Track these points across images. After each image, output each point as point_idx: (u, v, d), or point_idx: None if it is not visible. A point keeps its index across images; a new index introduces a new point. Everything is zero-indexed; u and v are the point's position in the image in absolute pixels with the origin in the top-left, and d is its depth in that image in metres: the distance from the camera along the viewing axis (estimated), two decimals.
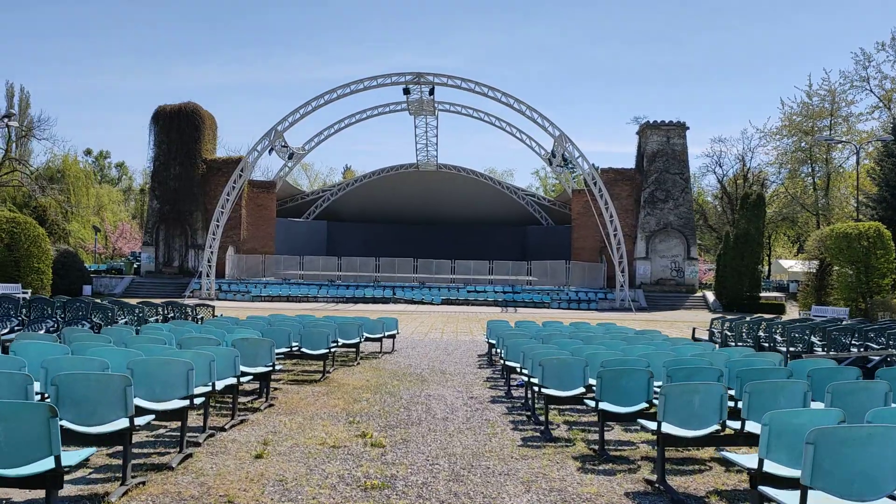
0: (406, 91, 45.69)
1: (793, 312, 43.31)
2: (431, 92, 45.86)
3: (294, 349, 11.72)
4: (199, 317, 17.05)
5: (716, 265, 48.57)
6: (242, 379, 8.35)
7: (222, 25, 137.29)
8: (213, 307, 18.01)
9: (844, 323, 15.77)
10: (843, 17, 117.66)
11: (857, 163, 37.44)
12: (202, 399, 6.98)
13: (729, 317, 16.53)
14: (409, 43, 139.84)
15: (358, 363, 14.33)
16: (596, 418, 7.76)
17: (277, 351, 10.95)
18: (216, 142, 54.73)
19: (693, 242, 49.19)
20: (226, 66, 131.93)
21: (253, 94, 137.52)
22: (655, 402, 6.48)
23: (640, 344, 10.61)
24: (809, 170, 54.76)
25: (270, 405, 9.36)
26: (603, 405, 7.07)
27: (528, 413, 9.21)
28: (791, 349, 13.27)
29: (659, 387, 6.75)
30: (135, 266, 54.39)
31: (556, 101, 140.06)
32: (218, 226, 45.26)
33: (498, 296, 46.28)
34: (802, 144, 53.93)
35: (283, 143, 48.71)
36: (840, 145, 52.57)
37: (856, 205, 45.89)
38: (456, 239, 59.98)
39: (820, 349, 13.08)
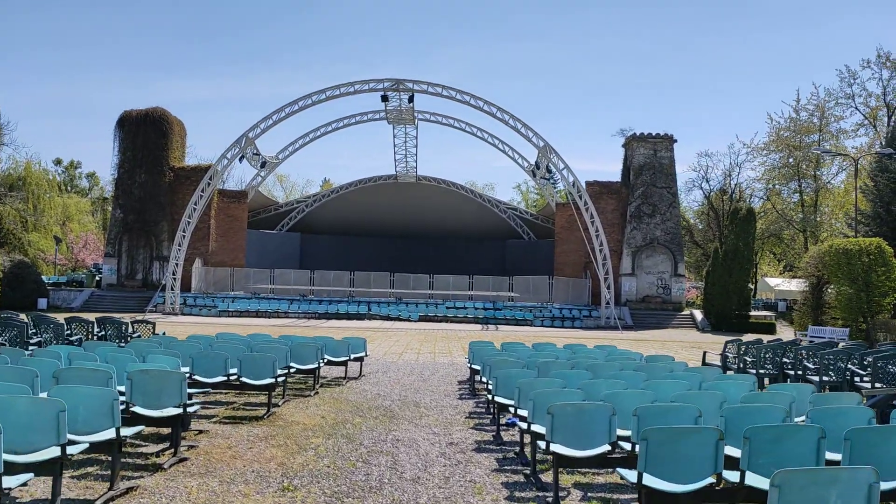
0: (384, 98, 43.69)
1: (783, 332, 41.66)
2: (411, 100, 43.88)
3: (232, 378, 9.50)
4: (134, 335, 14.74)
5: (704, 282, 46.87)
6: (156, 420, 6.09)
7: (207, 41, 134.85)
8: (154, 324, 15.71)
9: (883, 348, 13.79)
10: (829, 33, 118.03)
11: (856, 176, 35.93)
12: (29, 475, 4.70)
13: (745, 339, 14.63)
14: (392, 59, 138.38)
15: (316, 392, 12.13)
16: (634, 495, 5.53)
17: (209, 381, 8.74)
18: (185, 149, 52.24)
19: (680, 259, 47.49)
20: (209, 80, 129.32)
21: (234, 109, 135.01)
22: (727, 475, 4.38)
23: (664, 377, 8.54)
24: (797, 186, 53.46)
25: (182, 460, 7.12)
26: (650, 480, 4.89)
27: (527, 471, 7.07)
28: (824, 378, 11.31)
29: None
30: (97, 279, 51.56)
31: (538, 118, 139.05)
32: (184, 236, 42.75)
33: (478, 312, 44.15)
34: (790, 160, 52.66)
35: (254, 151, 46.37)
36: (829, 161, 51.39)
37: (851, 222, 44.46)
38: (434, 253, 57.86)
39: (859, 379, 11.12)
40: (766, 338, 39.46)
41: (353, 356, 13.96)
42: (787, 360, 12.74)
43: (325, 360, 13.05)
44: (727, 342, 14.35)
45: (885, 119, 53.21)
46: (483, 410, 10.79)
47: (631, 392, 6.74)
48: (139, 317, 38.16)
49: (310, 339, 13.81)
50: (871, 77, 71.86)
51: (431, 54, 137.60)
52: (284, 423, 9.24)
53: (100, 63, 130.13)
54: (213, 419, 9.42)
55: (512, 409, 7.99)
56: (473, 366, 12.54)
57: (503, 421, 9.30)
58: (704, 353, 14.98)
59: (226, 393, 10.88)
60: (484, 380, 10.24)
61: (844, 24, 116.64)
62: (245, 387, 9.62)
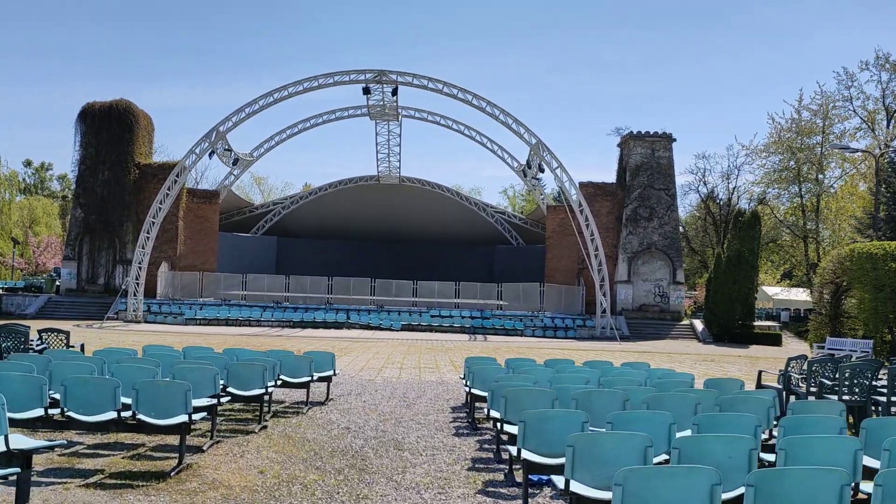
0: (366, 91, 40.69)
1: (790, 344, 39.12)
2: (394, 93, 40.94)
3: (125, 417, 6.47)
4: (39, 346, 11.63)
5: (705, 290, 44.25)
6: None
7: (189, 48, 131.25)
8: (68, 333, 12.60)
9: None
10: (830, 35, 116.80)
11: (877, 172, 33.43)
12: None
13: (818, 355, 11.82)
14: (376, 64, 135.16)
15: (263, 427, 9.08)
16: None
17: (89, 419, 5.72)
18: (153, 145, 48.86)
19: (679, 265, 44.81)
20: (188, 83, 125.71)
21: (215, 113, 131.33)
22: None
23: (809, 430, 5.51)
24: (798, 190, 51.06)
25: None
26: None
27: None
28: None
29: None
30: (56, 284, 47.98)
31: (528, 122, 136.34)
32: (148, 238, 39.43)
33: (465, 321, 41.16)
34: (791, 164, 50.28)
35: (226, 146, 43.25)
36: (834, 162, 49.05)
37: (860, 226, 42.07)
38: (418, 258, 54.82)
39: None
40: (770, 349, 37.03)
41: (316, 376, 10.93)
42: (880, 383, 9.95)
43: (279, 382, 10.02)
44: (790, 359, 11.51)
45: (885, 123, 51.11)
46: (490, 456, 7.83)
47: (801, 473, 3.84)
48: (98, 324, 34.83)
49: (259, 354, 10.77)
50: (869, 80, 70.01)
51: (422, 67, 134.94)
52: (199, 486, 6.21)
53: (78, 71, 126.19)
54: (92, 477, 6.35)
55: (548, 469, 5.04)
56: (474, 390, 9.55)
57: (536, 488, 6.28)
58: (760, 372, 12.11)
59: (118, 435, 7.77)
60: (495, 415, 7.26)
61: (843, 27, 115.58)
62: (143, 428, 6.59)
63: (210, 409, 7.47)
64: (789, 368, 11.14)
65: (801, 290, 54.44)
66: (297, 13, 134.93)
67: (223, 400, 8.07)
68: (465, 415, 10.62)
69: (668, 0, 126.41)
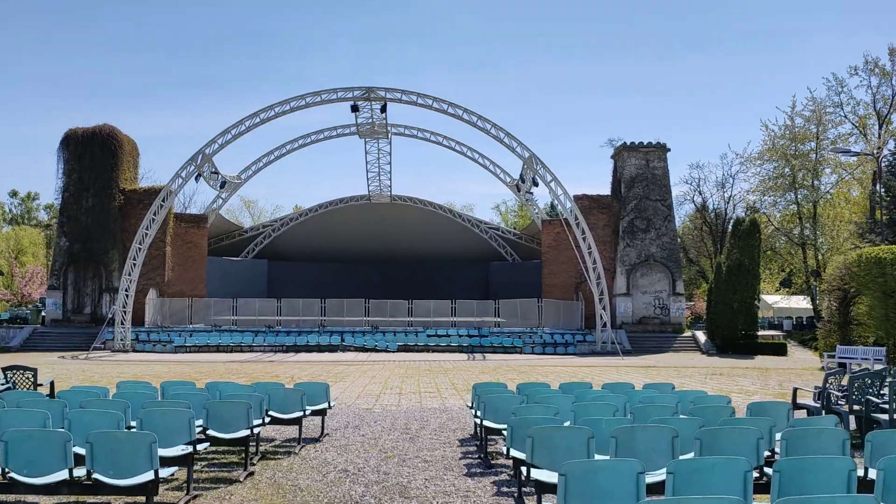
0: (354, 108, 39.95)
1: (795, 354, 38.23)
2: (383, 109, 40.17)
3: (78, 476, 5.44)
4: (3, 386, 10.53)
5: (706, 301, 43.39)
6: None
7: (178, 77, 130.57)
8: (36, 371, 11.49)
9: None
10: (821, 40, 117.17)
11: (879, 175, 32.70)
12: None
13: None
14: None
15: (249, 473, 8.03)
16: None
17: (41, 482, 4.71)
18: (138, 171, 47.89)
19: (678, 276, 43.95)
20: (174, 109, 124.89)
21: (201, 138, 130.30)
22: None
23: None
24: (794, 197, 50.41)
25: None
26: None
27: None
28: None
29: None
30: (42, 314, 46.69)
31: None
32: (134, 265, 38.29)
33: (462, 340, 40.12)
34: (786, 171, 49.68)
35: (212, 170, 42.29)
36: (829, 169, 48.49)
37: (861, 231, 41.35)
38: (412, 277, 53.84)
39: None
40: (777, 360, 36.09)
41: (309, 410, 9.91)
42: None
43: (268, 420, 9.00)
44: (828, 374, 10.56)
45: (876, 128, 50.64)
46: (512, 501, 6.81)
47: None
48: (84, 355, 33.48)
49: (245, 389, 9.74)
50: (858, 85, 69.77)
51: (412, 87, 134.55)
52: None
53: (63, 99, 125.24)
54: None
55: None
56: (486, 422, 8.55)
57: None
58: (795, 390, 11.14)
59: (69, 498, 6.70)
60: (518, 455, 6.28)
61: (831, 35, 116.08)
62: (101, 489, 5.55)
63: (185, 460, 6.47)
64: (828, 385, 10.19)
65: (801, 297, 53.66)
66: (285, 42, 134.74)
67: (202, 447, 7.04)
68: (475, 448, 9.62)
69: (656, 15, 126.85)
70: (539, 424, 6.21)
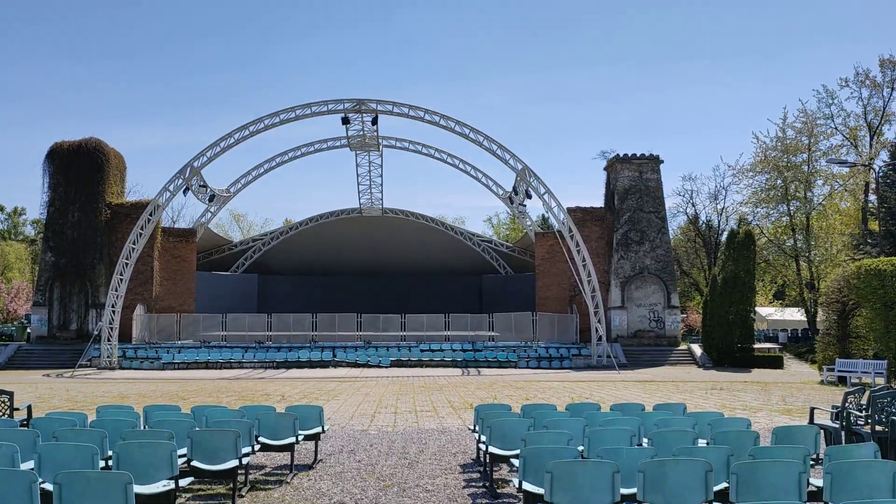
0: (345, 121, 39.49)
1: (791, 367, 37.86)
2: (375, 122, 39.78)
3: None
4: None
5: (702, 313, 43.00)
6: None
7: (162, 87, 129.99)
8: (12, 395, 10.85)
9: None
10: (811, 51, 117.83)
11: (878, 183, 32.48)
12: None
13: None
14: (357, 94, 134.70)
15: None
16: None
17: None
18: (125, 184, 47.22)
19: (673, 289, 43.59)
20: (162, 125, 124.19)
21: (189, 154, 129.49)
22: None
23: None
24: (786, 209, 50.23)
25: None
26: None
27: None
28: None
29: None
30: (28, 331, 45.81)
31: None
32: (121, 280, 37.55)
33: (456, 354, 39.53)
34: (778, 182, 49.52)
35: (201, 183, 41.65)
36: (822, 180, 48.31)
37: (857, 242, 41.12)
38: (405, 291, 53.23)
39: None
40: (774, 373, 35.68)
41: (302, 435, 9.35)
42: None
43: (258, 447, 8.44)
44: (847, 393, 10.11)
45: (867, 139, 50.62)
46: None
47: None
48: (69, 372, 32.69)
49: (233, 414, 9.16)
50: (849, 97, 69.96)
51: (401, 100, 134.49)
52: None
53: (50, 113, 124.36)
54: None
55: None
56: (492, 449, 8.01)
57: None
58: (812, 409, 10.67)
59: None
60: (533, 489, 5.76)
61: (822, 47, 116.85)
62: None
63: (166, 497, 5.91)
64: (846, 404, 9.73)
65: (795, 309, 53.38)
66: (275, 56, 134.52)
67: (185, 482, 6.47)
68: (478, 475, 9.09)
69: (648, 29, 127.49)
70: (554, 454, 5.72)
